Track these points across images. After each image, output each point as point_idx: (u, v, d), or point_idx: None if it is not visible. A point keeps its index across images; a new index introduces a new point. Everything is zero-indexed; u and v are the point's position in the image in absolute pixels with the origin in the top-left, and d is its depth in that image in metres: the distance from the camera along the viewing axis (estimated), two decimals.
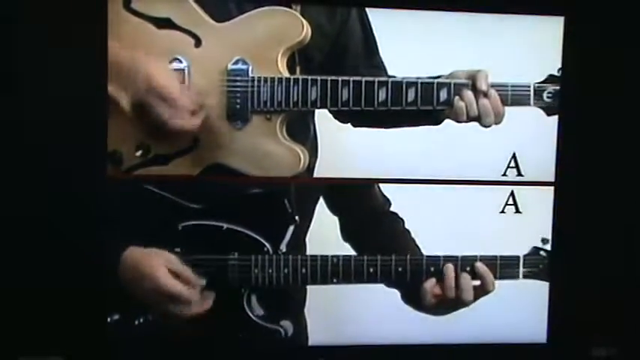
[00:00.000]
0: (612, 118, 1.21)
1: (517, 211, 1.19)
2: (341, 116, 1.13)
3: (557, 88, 1.16)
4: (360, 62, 1.13)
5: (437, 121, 1.14)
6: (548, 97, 1.15)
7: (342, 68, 1.12)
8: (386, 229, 1.17)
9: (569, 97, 1.16)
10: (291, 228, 1.14)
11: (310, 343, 1.17)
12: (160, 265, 1.10)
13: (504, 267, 1.18)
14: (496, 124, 1.14)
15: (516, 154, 1.18)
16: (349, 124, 1.14)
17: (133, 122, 1.09)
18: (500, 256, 1.18)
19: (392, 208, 1.16)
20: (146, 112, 1.07)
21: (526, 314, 1.21)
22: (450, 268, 1.16)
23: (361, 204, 1.16)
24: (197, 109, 1.09)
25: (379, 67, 1.13)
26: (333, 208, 1.15)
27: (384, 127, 1.14)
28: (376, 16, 1.12)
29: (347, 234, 1.15)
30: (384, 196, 1.16)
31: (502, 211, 1.19)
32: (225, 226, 1.13)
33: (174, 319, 1.11)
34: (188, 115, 1.08)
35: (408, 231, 1.17)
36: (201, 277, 1.12)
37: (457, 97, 1.12)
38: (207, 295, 1.13)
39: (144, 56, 1.07)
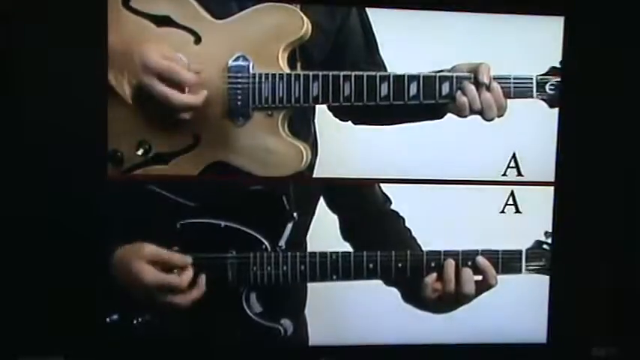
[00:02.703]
0: (612, 118, 1.22)
1: (517, 211, 1.19)
2: (341, 114, 1.13)
3: (560, 79, 1.15)
4: (360, 59, 1.12)
5: (438, 115, 1.13)
6: (550, 89, 1.15)
7: (343, 65, 1.11)
8: (386, 227, 1.16)
9: (569, 97, 1.16)
10: (290, 225, 1.14)
11: (310, 342, 1.17)
12: (140, 260, 1.09)
13: (507, 261, 1.17)
14: (499, 117, 1.13)
15: (516, 154, 1.18)
16: (349, 122, 1.13)
17: (134, 118, 1.08)
18: (503, 251, 1.17)
19: (392, 207, 1.16)
20: (147, 95, 1.06)
21: (526, 314, 1.21)
22: (450, 263, 1.15)
23: (361, 202, 1.16)
24: (198, 85, 1.08)
25: (379, 65, 1.12)
26: (333, 206, 1.15)
27: (385, 124, 1.14)
28: (376, 15, 1.12)
29: (346, 232, 1.15)
30: (385, 194, 1.16)
31: (502, 211, 1.19)
32: (223, 223, 1.13)
33: (173, 309, 1.10)
34: (190, 90, 1.07)
35: (408, 230, 1.16)
36: (186, 254, 1.11)
37: (459, 92, 1.12)
38: (199, 278, 1.11)
39: (141, 39, 1.07)
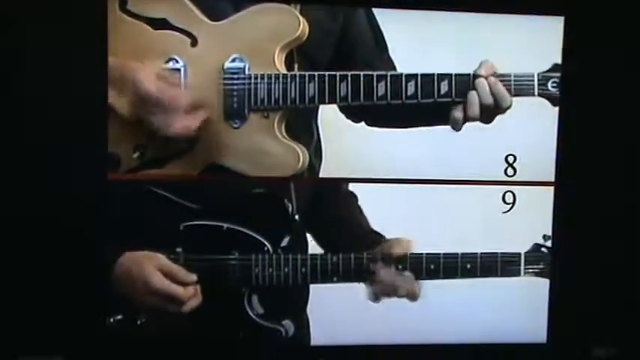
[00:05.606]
0: (612, 118, 1.21)
1: (517, 211, 1.19)
2: (353, 115, 1.12)
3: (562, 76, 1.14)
4: (371, 59, 1.12)
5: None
6: (553, 86, 1.15)
7: (353, 65, 1.11)
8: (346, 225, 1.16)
9: (569, 97, 1.16)
10: (291, 227, 1.14)
11: (312, 343, 1.17)
12: (153, 268, 1.10)
13: (506, 264, 1.17)
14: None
15: (516, 154, 1.18)
16: (362, 123, 1.13)
17: (130, 124, 1.09)
18: (502, 253, 1.17)
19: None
20: (142, 119, 1.08)
21: (526, 314, 1.21)
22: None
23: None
24: (194, 110, 1.09)
25: (390, 65, 1.12)
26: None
27: (403, 127, 1.14)
28: (378, 15, 1.12)
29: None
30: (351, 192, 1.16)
31: (502, 211, 1.19)
32: (225, 225, 1.13)
33: (170, 317, 1.11)
34: (184, 117, 1.08)
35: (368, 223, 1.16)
36: (192, 273, 1.12)
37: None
38: (198, 289, 1.13)
39: (135, 63, 1.07)
